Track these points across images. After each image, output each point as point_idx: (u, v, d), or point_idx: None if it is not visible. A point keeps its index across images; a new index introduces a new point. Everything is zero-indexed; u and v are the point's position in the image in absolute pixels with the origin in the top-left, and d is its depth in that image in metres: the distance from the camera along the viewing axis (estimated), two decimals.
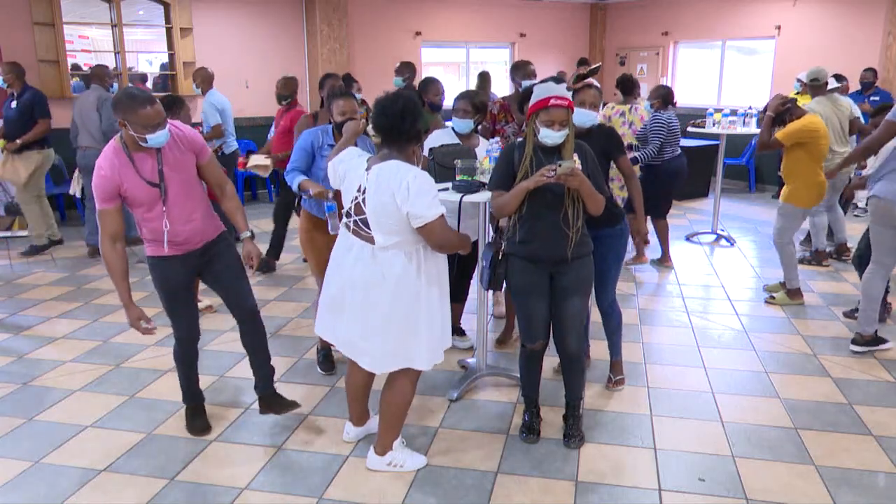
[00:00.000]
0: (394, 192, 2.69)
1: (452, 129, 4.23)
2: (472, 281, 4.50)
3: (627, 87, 6.36)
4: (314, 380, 4.07)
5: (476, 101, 4.16)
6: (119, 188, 2.99)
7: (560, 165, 2.87)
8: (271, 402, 3.50)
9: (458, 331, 4.56)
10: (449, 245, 2.87)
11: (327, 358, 4.16)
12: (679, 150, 6.19)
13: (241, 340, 3.48)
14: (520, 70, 5.07)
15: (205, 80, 7.02)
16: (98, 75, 6.76)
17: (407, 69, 6.81)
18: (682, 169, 6.26)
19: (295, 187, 3.70)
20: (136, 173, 3.01)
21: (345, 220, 2.93)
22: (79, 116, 6.54)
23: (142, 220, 3.12)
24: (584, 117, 3.51)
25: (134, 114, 2.88)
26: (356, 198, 2.83)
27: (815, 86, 6.11)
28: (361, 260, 2.85)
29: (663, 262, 6.34)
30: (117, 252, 3.05)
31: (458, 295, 4.43)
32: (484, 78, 7.67)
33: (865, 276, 4.34)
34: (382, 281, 2.82)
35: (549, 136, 2.99)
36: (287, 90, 6.41)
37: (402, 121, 2.75)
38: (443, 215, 2.75)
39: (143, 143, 2.95)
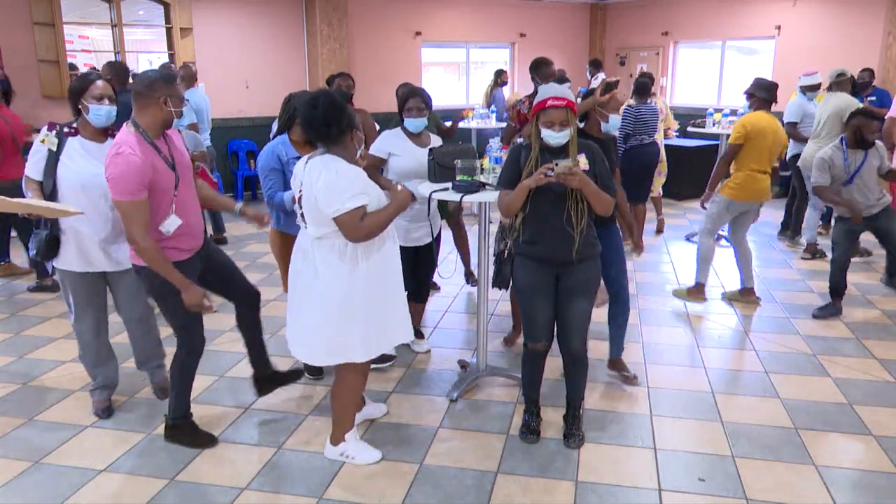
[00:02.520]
0: (312, 185, 2.80)
1: (402, 129, 4.09)
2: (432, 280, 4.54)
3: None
4: (314, 380, 4.06)
5: (427, 98, 4.05)
6: (151, 174, 2.95)
7: (557, 164, 2.87)
8: (275, 378, 3.67)
9: (416, 333, 4.39)
10: (364, 236, 2.82)
11: None
12: (648, 140, 6.62)
13: (244, 322, 3.55)
14: (540, 69, 5.19)
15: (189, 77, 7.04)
16: (186, 77, 6.85)
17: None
18: (647, 156, 6.65)
19: (289, 206, 3.51)
20: (161, 157, 3.03)
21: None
22: None
23: (159, 215, 3.05)
24: (616, 121, 3.63)
25: (174, 88, 3.07)
26: (300, 191, 2.92)
27: (838, 81, 6.53)
28: (301, 251, 2.97)
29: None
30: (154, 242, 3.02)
31: (418, 294, 4.31)
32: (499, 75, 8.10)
33: None
34: (316, 273, 2.89)
35: (550, 136, 3.01)
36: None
37: (329, 127, 2.82)
38: (356, 208, 2.76)
39: (179, 117, 3.10)
